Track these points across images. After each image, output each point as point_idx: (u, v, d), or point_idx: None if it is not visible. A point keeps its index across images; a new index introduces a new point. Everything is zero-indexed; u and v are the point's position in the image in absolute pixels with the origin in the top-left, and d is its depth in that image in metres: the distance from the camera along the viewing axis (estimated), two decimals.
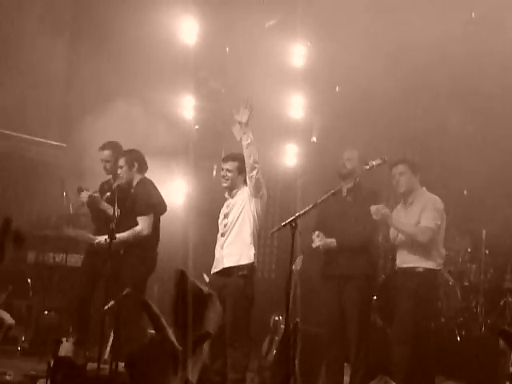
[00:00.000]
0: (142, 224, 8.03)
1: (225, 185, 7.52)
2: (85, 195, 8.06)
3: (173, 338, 1.67)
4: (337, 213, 7.45)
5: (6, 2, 10.55)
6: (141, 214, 8.06)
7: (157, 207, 8.25)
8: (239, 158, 7.42)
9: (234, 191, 7.53)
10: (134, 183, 8.29)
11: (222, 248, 7.36)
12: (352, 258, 7.31)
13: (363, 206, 7.24)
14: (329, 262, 7.50)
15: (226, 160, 7.60)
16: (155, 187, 8.42)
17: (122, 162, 8.21)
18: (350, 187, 7.41)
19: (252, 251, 7.22)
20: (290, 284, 6.17)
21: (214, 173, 11.69)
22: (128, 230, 7.90)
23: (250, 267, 7.18)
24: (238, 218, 7.38)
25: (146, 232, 8.01)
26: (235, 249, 7.30)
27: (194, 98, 11.13)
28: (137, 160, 8.28)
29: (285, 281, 6.12)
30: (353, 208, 7.34)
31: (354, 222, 7.31)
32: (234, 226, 7.38)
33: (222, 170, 7.59)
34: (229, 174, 7.47)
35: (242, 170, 7.41)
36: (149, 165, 9.54)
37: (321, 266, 7.68)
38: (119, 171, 8.19)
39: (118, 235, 7.25)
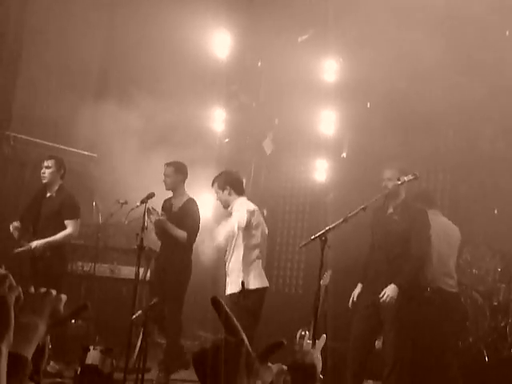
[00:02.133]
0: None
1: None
2: (153, 218, 8.12)
3: (247, 342, 1.62)
4: (383, 232, 7.36)
5: None
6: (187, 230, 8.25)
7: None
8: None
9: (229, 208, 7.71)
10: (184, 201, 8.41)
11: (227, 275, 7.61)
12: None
13: (409, 223, 7.15)
14: (374, 278, 7.36)
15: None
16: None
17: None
18: (396, 205, 7.29)
19: (240, 279, 7.28)
20: (319, 299, 6.14)
21: (244, 186, 11.73)
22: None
23: (238, 294, 7.27)
24: (233, 246, 7.52)
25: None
26: (232, 276, 7.51)
27: (225, 111, 11.18)
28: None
29: (312, 296, 6.10)
30: (400, 226, 7.22)
31: (400, 240, 7.20)
32: (231, 253, 7.55)
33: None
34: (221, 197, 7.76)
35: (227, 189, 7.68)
36: None
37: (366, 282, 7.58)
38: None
39: None
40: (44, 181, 8.46)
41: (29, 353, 1.82)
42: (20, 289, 1.78)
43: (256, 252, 7.59)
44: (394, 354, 7.18)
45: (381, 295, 6.98)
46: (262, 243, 7.72)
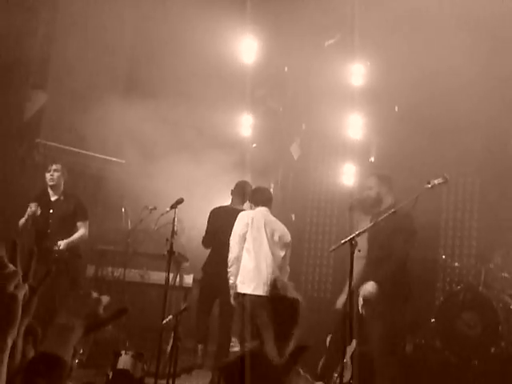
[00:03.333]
0: None
1: None
2: None
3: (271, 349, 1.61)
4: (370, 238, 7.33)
5: None
6: None
7: None
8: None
9: None
10: None
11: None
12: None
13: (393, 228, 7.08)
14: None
15: None
16: None
17: None
18: (379, 212, 7.21)
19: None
20: (352, 303, 6.13)
21: (272, 191, 11.73)
22: None
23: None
24: None
25: None
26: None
27: (252, 116, 11.21)
28: None
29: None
30: (382, 232, 7.14)
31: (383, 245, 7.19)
32: None
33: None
34: None
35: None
36: (208, 182, 9.68)
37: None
38: None
39: None
40: (51, 183, 8.63)
41: (66, 354, 1.83)
42: (27, 287, 1.79)
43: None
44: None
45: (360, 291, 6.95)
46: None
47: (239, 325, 7.63)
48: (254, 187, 8.49)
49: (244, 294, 7.63)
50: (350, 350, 7.10)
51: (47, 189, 8.73)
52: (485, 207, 9.74)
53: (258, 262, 7.70)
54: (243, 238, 7.76)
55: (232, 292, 7.73)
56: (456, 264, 9.81)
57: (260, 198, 8.13)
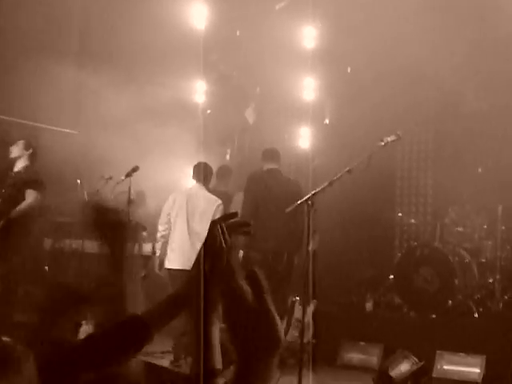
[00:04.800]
0: None
1: None
2: None
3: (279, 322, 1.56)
4: None
5: None
6: None
7: None
8: None
9: None
10: None
11: None
12: None
13: None
14: None
15: None
16: None
17: None
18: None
19: None
20: (308, 264, 6.18)
21: (228, 157, 11.71)
22: None
23: None
24: None
25: None
26: None
27: (206, 82, 11.14)
28: None
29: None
30: None
31: None
32: None
33: None
34: None
35: None
36: (162, 151, 9.62)
37: None
38: None
39: None
40: (12, 155, 8.55)
41: None
42: None
43: None
44: None
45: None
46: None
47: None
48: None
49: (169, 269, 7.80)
50: (310, 308, 7.18)
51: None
52: (438, 164, 9.87)
53: (179, 239, 7.81)
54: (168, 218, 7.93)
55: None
56: (412, 221, 9.95)
57: (196, 175, 8.19)
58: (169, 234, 7.89)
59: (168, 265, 7.79)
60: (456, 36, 9.36)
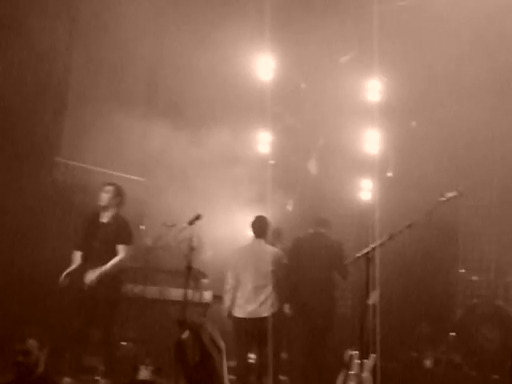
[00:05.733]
0: None
1: None
2: None
3: None
4: None
5: None
6: None
7: None
8: None
9: None
10: None
11: None
12: None
13: None
14: None
15: None
16: None
17: None
18: None
19: None
20: (366, 318, 6.13)
21: (290, 208, 11.77)
22: None
23: None
24: None
25: None
26: None
27: (270, 133, 11.27)
28: None
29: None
30: None
31: None
32: None
33: None
34: None
35: None
36: (227, 200, 9.73)
37: None
38: None
39: None
40: (101, 204, 8.40)
41: None
42: None
43: None
44: None
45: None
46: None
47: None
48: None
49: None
50: (369, 363, 7.11)
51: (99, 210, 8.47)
52: (502, 221, 9.74)
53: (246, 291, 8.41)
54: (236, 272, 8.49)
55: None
56: (474, 278, 9.79)
57: (255, 230, 8.73)
58: (237, 286, 8.43)
59: (236, 313, 8.34)
60: None
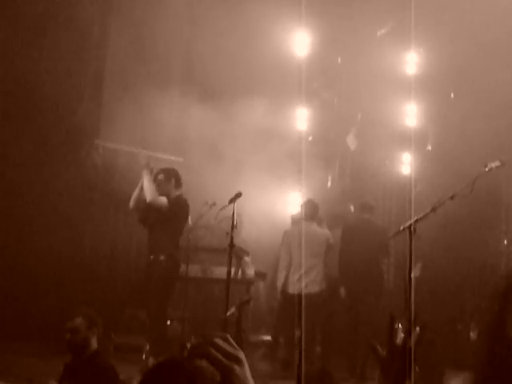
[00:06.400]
0: None
1: None
2: None
3: None
4: None
5: None
6: None
7: None
8: None
9: None
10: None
11: None
12: None
13: None
14: None
15: None
16: None
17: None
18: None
19: None
20: (410, 292, 6.11)
21: (329, 184, 11.75)
22: None
23: None
24: None
25: None
26: None
27: (308, 109, 11.24)
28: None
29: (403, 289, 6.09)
30: None
31: None
32: None
33: None
34: None
35: None
36: (264, 178, 9.77)
37: None
38: None
39: None
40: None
41: None
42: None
43: None
44: None
45: None
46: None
47: None
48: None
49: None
50: (414, 336, 7.06)
51: None
52: None
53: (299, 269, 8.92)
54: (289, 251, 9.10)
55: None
56: None
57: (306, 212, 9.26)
58: (291, 264, 8.98)
59: (290, 290, 8.91)
60: None
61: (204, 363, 1.71)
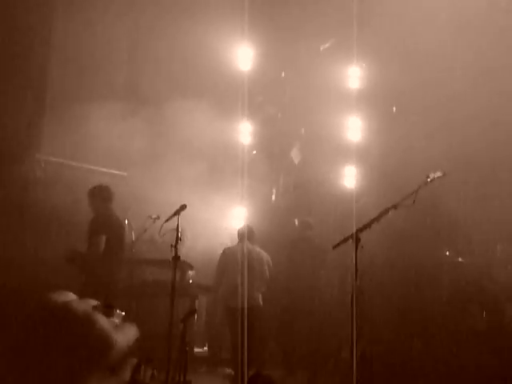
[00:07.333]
0: None
1: None
2: None
3: None
4: None
5: None
6: None
7: None
8: None
9: None
10: None
11: None
12: None
13: None
14: None
15: None
16: None
17: None
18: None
19: None
20: (353, 300, 6.11)
21: (273, 197, 11.76)
22: None
23: None
24: None
25: None
26: None
27: (251, 123, 11.25)
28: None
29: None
30: None
31: None
32: None
33: None
34: None
35: None
36: (208, 193, 9.76)
37: None
38: None
39: None
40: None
41: None
42: None
43: None
44: None
45: None
46: None
47: None
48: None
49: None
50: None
51: None
52: (483, 201, 9.78)
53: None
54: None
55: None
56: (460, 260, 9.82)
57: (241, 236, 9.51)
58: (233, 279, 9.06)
59: (233, 304, 8.96)
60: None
61: None
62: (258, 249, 9.46)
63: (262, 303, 9.16)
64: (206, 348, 10.49)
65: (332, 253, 9.95)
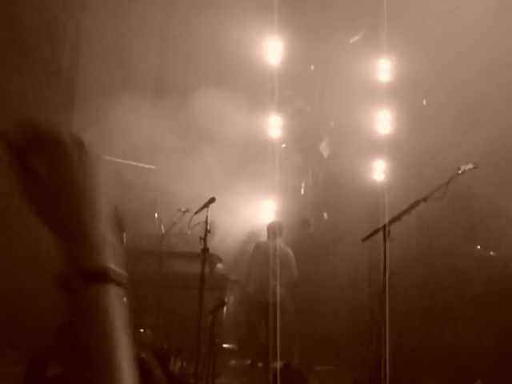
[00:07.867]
0: None
1: None
2: None
3: None
4: None
5: None
6: None
7: None
8: None
9: None
10: None
11: None
12: None
13: None
14: None
15: None
16: None
17: None
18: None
19: None
20: (385, 292, 6.08)
21: (302, 191, 11.74)
22: None
23: None
24: None
25: None
26: None
27: (281, 117, 11.23)
28: None
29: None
30: None
31: None
32: None
33: None
34: None
35: None
36: (238, 186, 9.77)
37: None
38: None
39: None
40: None
41: None
42: None
43: None
44: None
45: None
46: None
47: None
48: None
49: None
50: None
51: None
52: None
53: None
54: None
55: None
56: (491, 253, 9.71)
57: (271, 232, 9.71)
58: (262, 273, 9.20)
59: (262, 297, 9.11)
60: None
61: None
62: (287, 249, 9.59)
63: (289, 299, 9.25)
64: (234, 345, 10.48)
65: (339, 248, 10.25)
